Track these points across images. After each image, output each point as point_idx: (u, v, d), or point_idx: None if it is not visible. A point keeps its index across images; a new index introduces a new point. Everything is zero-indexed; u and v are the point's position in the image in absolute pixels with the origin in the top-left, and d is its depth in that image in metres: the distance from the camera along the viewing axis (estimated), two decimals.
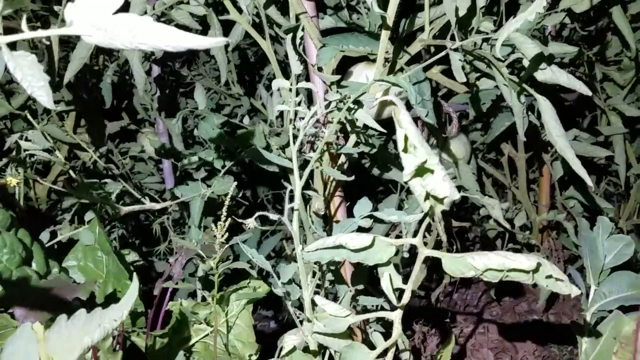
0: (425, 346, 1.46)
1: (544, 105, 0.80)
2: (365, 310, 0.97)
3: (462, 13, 0.88)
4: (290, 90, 0.78)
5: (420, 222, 0.55)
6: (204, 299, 0.85)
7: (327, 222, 1.11)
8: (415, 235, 0.57)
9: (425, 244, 1.32)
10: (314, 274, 0.84)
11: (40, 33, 0.42)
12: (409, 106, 0.91)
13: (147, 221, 1.65)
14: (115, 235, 1.49)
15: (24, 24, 0.41)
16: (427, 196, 0.48)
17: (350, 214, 1.03)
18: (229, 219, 0.86)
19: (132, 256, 1.01)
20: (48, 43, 0.95)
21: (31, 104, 1.54)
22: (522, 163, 1.55)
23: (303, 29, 0.97)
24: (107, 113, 1.70)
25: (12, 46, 0.44)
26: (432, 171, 0.47)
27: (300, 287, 0.75)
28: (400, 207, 1.25)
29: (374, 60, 0.96)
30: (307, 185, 1.13)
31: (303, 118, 0.81)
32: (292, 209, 0.73)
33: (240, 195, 1.50)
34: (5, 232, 0.83)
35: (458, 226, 1.51)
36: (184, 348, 0.78)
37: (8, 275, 0.78)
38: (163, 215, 1.51)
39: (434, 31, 1.00)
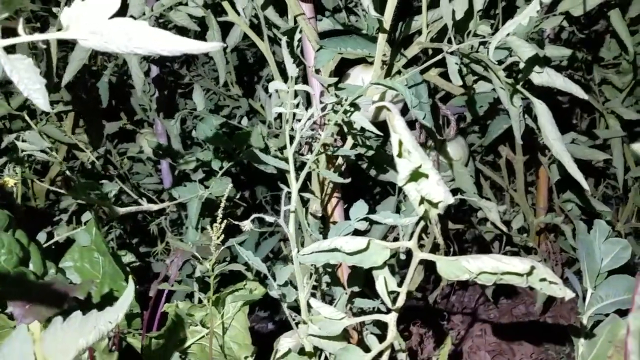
0: (423, 348, 1.46)
1: (540, 108, 0.80)
2: (362, 312, 0.97)
3: (459, 16, 0.88)
4: (285, 92, 0.78)
5: (416, 225, 0.55)
6: (200, 300, 0.85)
7: (325, 223, 1.11)
8: (412, 237, 0.57)
9: (422, 246, 1.32)
10: (311, 275, 0.85)
11: (37, 37, 0.42)
12: (406, 108, 0.91)
13: (145, 222, 1.65)
14: (112, 236, 1.49)
15: (20, 28, 0.42)
16: (422, 200, 0.49)
17: (347, 215, 1.04)
18: (227, 221, 0.86)
19: (128, 257, 1.01)
20: (45, 46, 0.96)
21: (30, 104, 1.54)
22: (519, 166, 1.55)
23: (301, 31, 0.97)
24: (106, 113, 1.70)
25: (12, 48, 0.45)
26: (426, 176, 0.47)
27: (297, 289, 0.75)
28: (398, 209, 1.25)
29: (371, 63, 0.96)
30: (305, 187, 1.13)
31: (300, 120, 0.81)
32: (288, 211, 0.73)
33: (238, 196, 1.50)
34: (3, 232, 0.84)
35: (455, 228, 1.51)
36: (179, 350, 0.79)
37: (5, 275, 0.79)
38: (161, 216, 1.51)
39: (432, 34, 1.00)
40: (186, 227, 1.12)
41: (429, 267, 1.29)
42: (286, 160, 0.77)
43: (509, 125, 1.30)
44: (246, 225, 0.72)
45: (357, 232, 0.80)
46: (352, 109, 0.79)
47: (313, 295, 0.97)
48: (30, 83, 0.43)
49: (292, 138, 0.78)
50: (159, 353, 0.78)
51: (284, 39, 0.82)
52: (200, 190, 1.11)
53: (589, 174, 1.72)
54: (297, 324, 0.77)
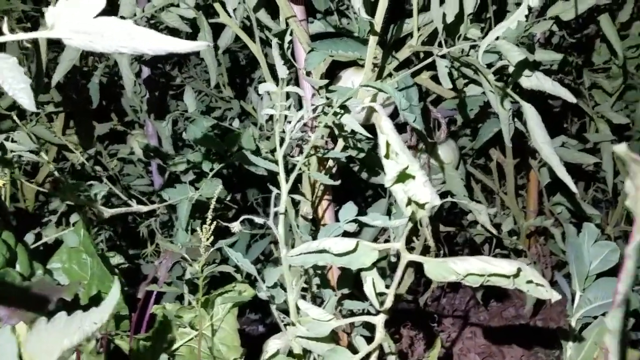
0: (413, 351, 1.46)
1: (529, 112, 0.80)
2: (352, 314, 0.97)
3: (449, 20, 0.88)
4: (276, 94, 0.78)
5: (405, 226, 0.55)
6: (190, 302, 0.85)
7: (317, 226, 1.11)
8: (400, 239, 0.57)
9: (413, 248, 1.32)
10: (300, 277, 0.85)
11: (21, 36, 0.42)
12: (397, 111, 0.91)
13: (135, 223, 1.64)
14: (102, 238, 1.48)
15: (5, 27, 0.41)
16: (409, 202, 0.49)
17: (338, 218, 1.04)
18: (217, 222, 0.86)
19: (117, 259, 1.00)
20: (29, 45, 0.95)
21: (20, 105, 1.53)
22: (510, 169, 1.56)
23: (292, 33, 0.97)
24: (96, 114, 1.69)
25: (2, 47, 0.44)
26: (413, 177, 0.47)
27: (286, 291, 0.75)
28: (389, 211, 1.25)
29: (363, 66, 0.96)
30: (296, 189, 1.13)
31: (291, 122, 0.81)
32: (277, 213, 0.73)
33: (230, 198, 1.49)
34: None
35: (446, 231, 1.51)
36: (168, 352, 0.78)
37: None
38: (151, 217, 1.51)
39: (423, 37, 1.01)
40: (176, 228, 1.11)
41: (420, 269, 1.30)
42: (277, 162, 0.77)
43: (500, 129, 1.30)
44: (235, 227, 0.72)
45: (348, 234, 0.80)
46: (342, 111, 0.79)
47: (303, 297, 0.97)
48: (14, 82, 0.43)
49: (282, 140, 0.78)
50: (147, 355, 0.78)
51: (274, 41, 0.82)
52: (191, 192, 1.11)
53: (579, 177, 1.73)
54: (286, 325, 0.77)
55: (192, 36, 1.16)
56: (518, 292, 1.69)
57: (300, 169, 0.79)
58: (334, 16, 1.16)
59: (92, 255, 0.89)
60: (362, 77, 0.93)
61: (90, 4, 0.42)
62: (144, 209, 1.09)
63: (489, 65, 0.86)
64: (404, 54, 1.00)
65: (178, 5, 1.10)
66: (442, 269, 0.53)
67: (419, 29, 0.96)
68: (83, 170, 1.60)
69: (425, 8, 0.99)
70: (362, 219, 0.70)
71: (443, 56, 0.91)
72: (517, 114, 1.01)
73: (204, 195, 1.10)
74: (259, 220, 0.71)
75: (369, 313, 0.92)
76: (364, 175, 1.21)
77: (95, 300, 0.86)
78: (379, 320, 0.60)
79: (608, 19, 1.36)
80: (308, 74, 1.02)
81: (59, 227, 1.26)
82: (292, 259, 0.61)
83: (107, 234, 1.53)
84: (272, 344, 0.65)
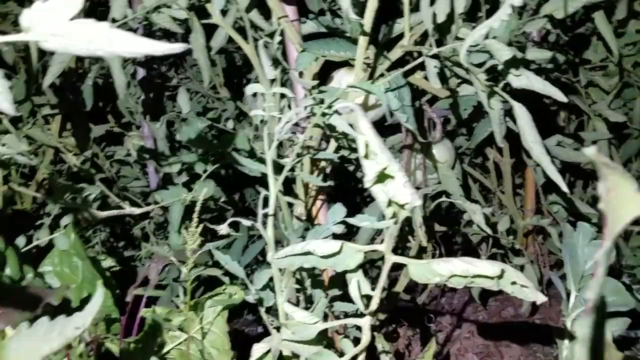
0: (410, 350, 1.46)
1: (519, 111, 0.80)
2: (345, 315, 0.97)
3: (440, 19, 0.88)
4: (264, 94, 0.77)
5: (388, 228, 0.55)
6: (177, 306, 0.85)
7: (313, 226, 1.11)
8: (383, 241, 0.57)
9: (409, 248, 1.31)
10: (293, 277, 0.84)
11: None
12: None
13: (130, 225, 1.64)
14: (97, 240, 1.48)
15: None
16: (390, 202, 0.48)
17: None
18: (208, 224, 0.85)
19: (108, 261, 1.00)
20: (7, 48, 0.95)
21: (16, 107, 1.53)
22: (507, 168, 1.55)
23: (281, 33, 0.97)
24: (93, 116, 1.69)
25: None
26: (393, 177, 0.46)
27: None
28: None
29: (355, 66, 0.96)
30: (290, 190, 1.13)
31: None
32: (266, 215, 0.72)
33: (229, 199, 1.49)
34: None
35: (442, 231, 1.51)
36: (158, 355, 0.78)
37: None
38: (146, 219, 1.50)
39: (415, 37, 1.00)
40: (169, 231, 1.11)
41: None
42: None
43: None
44: (223, 229, 0.71)
45: (344, 236, 0.80)
46: (331, 112, 0.79)
47: (297, 298, 0.96)
48: None
49: (270, 140, 0.77)
50: (138, 358, 0.78)
51: (261, 42, 0.81)
52: (184, 194, 1.10)
53: (577, 176, 1.72)
54: (277, 328, 0.77)
55: (185, 37, 1.15)
56: None
57: (292, 169, 0.79)
58: (327, 16, 1.15)
59: (83, 258, 0.89)
60: (354, 77, 0.92)
61: (66, 5, 0.41)
62: (137, 210, 1.09)
63: (480, 65, 0.86)
64: (395, 54, 1.00)
65: (170, 7, 1.09)
66: (425, 271, 0.52)
67: (411, 29, 0.96)
68: (80, 172, 1.60)
69: (417, 7, 0.99)
70: (350, 220, 0.69)
71: (435, 56, 0.91)
72: (510, 113, 1.00)
73: (197, 197, 1.10)
74: (245, 222, 0.70)
75: (361, 315, 0.92)
76: (360, 175, 1.20)
77: (86, 303, 0.85)
78: (365, 323, 0.59)
79: (603, 17, 1.35)
80: (300, 74, 1.02)
81: (54, 229, 1.26)
82: (279, 261, 0.61)
83: (102, 236, 1.53)
84: (257, 349, 0.65)
